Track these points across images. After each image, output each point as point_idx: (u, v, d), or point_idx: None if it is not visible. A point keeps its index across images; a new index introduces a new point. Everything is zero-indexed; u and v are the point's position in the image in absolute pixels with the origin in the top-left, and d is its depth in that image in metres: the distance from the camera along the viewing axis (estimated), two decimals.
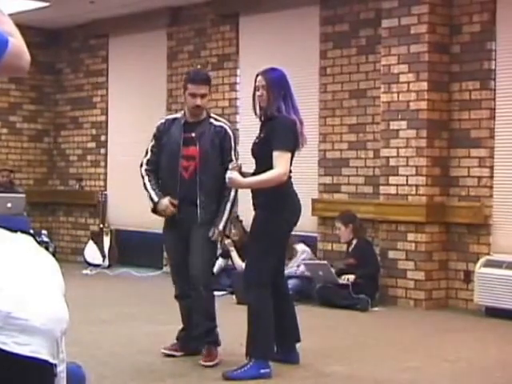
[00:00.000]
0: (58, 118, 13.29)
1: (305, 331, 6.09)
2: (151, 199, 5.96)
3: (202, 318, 5.88)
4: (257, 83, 5.74)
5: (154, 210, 5.99)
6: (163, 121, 6.12)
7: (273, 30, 10.30)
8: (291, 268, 8.80)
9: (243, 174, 5.64)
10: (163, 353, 6.05)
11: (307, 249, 9.22)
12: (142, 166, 6.08)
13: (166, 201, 5.88)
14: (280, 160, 5.50)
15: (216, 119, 6.02)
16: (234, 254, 9.36)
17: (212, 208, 5.88)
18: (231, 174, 5.51)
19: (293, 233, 6.09)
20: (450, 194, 8.72)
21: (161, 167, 6.00)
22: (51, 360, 2.62)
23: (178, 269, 6.04)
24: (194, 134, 5.85)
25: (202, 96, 5.87)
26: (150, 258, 11.31)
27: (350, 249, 8.86)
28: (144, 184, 6.04)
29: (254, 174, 5.66)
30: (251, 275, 5.67)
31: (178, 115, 6.11)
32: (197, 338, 5.92)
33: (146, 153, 6.09)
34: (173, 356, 6.02)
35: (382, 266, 8.83)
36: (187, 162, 5.87)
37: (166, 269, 10.49)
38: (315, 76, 9.78)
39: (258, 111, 5.79)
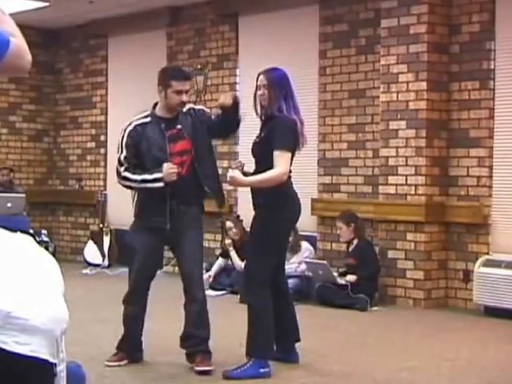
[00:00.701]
0: (58, 118, 13.29)
1: (304, 331, 6.10)
2: (155, 180, 5.64)
3: (195, 328, 5.72)
4: (258, 82, 5.74)
5: (165, 184, 5.65)
6: (132, 127, 5.81)
7: (272, 29, 10.31)
8: (293, 264, 8.84)
9: (245, 174, 5.65)
10: (108, 365, 5.81)
11: (311, 248, 9.27)
12: (123, 178, 5.75)
13: (165, 166, 5.61)
14: (280, 160, 5.51)
15: (183, 110, 5.86)
16: (233, 253, 9.37)
17: (217, 193, 5.88)
18: (233, 173, 5.52)
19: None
20: (450, 193, 8.73)
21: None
22: (51, 359, 2.63)
23: (144, 273, 5.85)
24: (179, 127, 5.74)
25: (186, 92, 5.83)
26: None
27: (351, 248, 8.87)
28: (135, 181, 5.71)
29: (254, 174, 5.67)
30: (251, 275, 5.68)
31: (147, 119, 5.82)
32: (188, 347, 5.78)
33: (121, 164, 5.77)
34: (119, 366, 5.82)
35: (381, 266, 8.84)
36: (181, 158, 5.73)
37: (166, 268, 10.50)
38: (314, 76, 9.79)
39: (258, 110, 5.81)
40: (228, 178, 5.56)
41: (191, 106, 5.98)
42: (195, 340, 5.73)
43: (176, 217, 5.72)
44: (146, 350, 6.12)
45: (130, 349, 5.90)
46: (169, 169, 5.63)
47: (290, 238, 8.67)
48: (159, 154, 5.71)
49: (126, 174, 5.75)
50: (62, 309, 2.77)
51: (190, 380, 5.56)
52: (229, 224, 9.50)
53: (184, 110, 5.83)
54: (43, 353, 2.61)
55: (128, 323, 5.91)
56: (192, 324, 5.75)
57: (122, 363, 5.85)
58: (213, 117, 5.90)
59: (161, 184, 5.66)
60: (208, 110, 6.00)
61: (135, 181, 5.74)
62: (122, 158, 5.78)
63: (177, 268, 6.22)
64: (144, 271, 5.87)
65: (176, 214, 5.72)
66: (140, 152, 5.76)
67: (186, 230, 5.74)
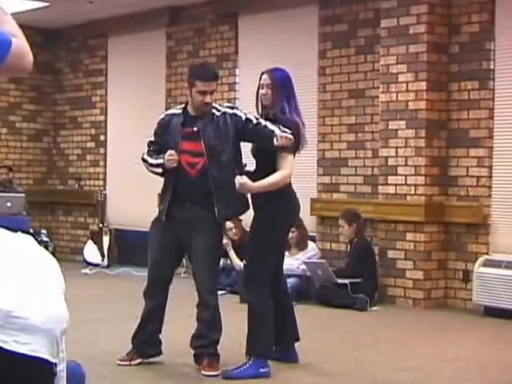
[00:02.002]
0: (58, 118, 13.30)
1: (304, 330, 6.11)
2: (158, 165, 5.73)
3: (207, 329, 5.73)
4: (262, 81, 5.74)
5: (163, 173, 5.76)
6: (163, 116, 5.97)
7: (272, 29, 10.31)
8: (297, 260, 8.87)
9: (247, 173, 5.64)
10: (119, 364, 5.83)
11: (317, 250, 9.29)
12: (142, 159, 5.90)
13: (167, 152, 5.66)
14: (285, 162, 5.53)
15: (218, 109, 5.75)
16: (231, 253, 9.36)
17: (229, 203, 5.67)
18: (241, 180, 5.48)
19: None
20: (449, 193, 8.73)
21: None
22: (51, 359, 2.63)
23: (156, 267, 5.85)
24: (195, 129, 5.69)
25: (211, 93, 5.70)
26: None
27: (350, 248, 8.88)
28: (149, 164, 5.82)
29: (254, 173, 5.67)
30: (251, 275, 5.68)
31: (179, 110, 5.90)
32: (197, 347, 5.78)
33: (148, 147, 5.94)
34: (129, 365, 5.82)
35: (381, 266, 8.85)
36: (193, 158, 5.68)
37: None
38: (314, 76, 9.79)
39: (260, 110, 5.80)
40: (236, 185, 5.53)
41: (226, 109, 5.77)
42: (205, 341, 5.73)
43: (187, 212, 5.71)
44: None
45: (141, 343, 5.89)
46: (169, 155, 5.68)
47: (295, 234, 8.77)
48: (172, 147, 5.74)
49: (145, 156, 5.90)
50: (62, 308, 2.76)
51: (190, 380, 5.56)
52: (229, 224, 9.49)
53: (218, 113, 5.71)
54: (43, 352, 2.61)
55: (142, 317, 5.93)
56: (205, 326, 5.76)
57: (132, 363, 5.85)
58: (254, 120, 5.64)
59: (160, 170, 5.76)
60: (242, 114, 5.72)
61: (148, 163, 5.86)
62: (148, 141, 5.96)
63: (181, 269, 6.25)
64: (158, 264, 5.85)
65: (188, 210, 5.70)
66: (162, 141, 5.86)
67: (196, 233, 5.69)
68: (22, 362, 2.55)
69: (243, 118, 5.69)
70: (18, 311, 2.55)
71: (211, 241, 5.73)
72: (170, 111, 6.08)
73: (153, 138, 5.95)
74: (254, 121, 5.65)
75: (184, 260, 6.39)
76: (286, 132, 5.49)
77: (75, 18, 12.22)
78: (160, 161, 5.73)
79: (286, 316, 5.93)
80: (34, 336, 2.57)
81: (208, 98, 5.68)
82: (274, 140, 5.45)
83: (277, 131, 5.49)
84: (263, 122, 5.63)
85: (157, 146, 5.87)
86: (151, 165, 5.83)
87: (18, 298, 2.57)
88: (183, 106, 5.94)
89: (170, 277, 5.92)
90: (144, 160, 5.90)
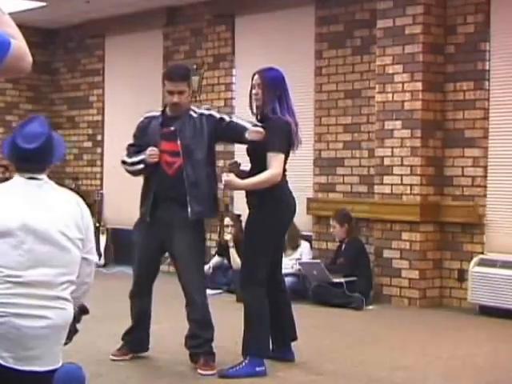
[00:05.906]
0: (55, 118, 13.28)
1: (300, 330, 6.12)
2: (139, 162, 5.79)
3: (198, 329, 5.75)
4: (253, 81, 5.78)
5: (144, 169, 5.82)
6: (142, 119, 6.01)
7: (268, 30, 10.33)
8: (292, 260, 8.88)
9: (242, 172, 5.67)
10: (112, 359, 5.90)
11: (309, 247, 9.29)
12: (122, 161, 5.98)
13: (148, 150, 5.72)
14: (274, 161, 5.55)
15: (195, 111, 5.83)
16: (232, 250, 9.30)
17: (202, 201, 5.71)
18: (228, 177, 5.52)
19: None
20: (445, 193, 8.76)
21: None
22: (51, 368, 2.63)
23: (143, 268, 5.96)
24: (172, 128, 5.74)
25: (180, 93, 5.73)
26: None
27: (343, 248, 8.90)
28: (129, 164, 5.89)
29: (249, 172, 5.70)
30: (247, 274, 5.70)
31: (158, 112, 5.96)
32: (192, 347, 5.79)
33: (126, 150, 5.99)
34: (123, 360, 5.89)
35: (377, 265, 8.88)
36: (171, 158, 5.72)
37: (162, 267, 10.49)
38: (310, 76, 9.82)
39: (254, 110, 5.84)
40: (223, 182, 5.57)
41: (203, 111, 5.84)
42: (199, 340, 5.75)
43: (166, 211, 5.76)
44: None
45: (133, 340, 5.97)
46: (150, 151, 5.73)
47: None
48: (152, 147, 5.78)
49: (125, 158, 5.95)
50: (64, 315, 2.77)
51: (186, 378, 5.58)
52: (227, 220, 9.48)
53: (195, 114, 5.78)
54: (43, 365, 2.60)
55: (134, 317, 5.99)
56: (197, 325, 5.78)
57: (126, 357, 5.93)
58: (227, 119, 5.78)
59: (142, 166, 5.80)
60: (217, 115, 5.83)
61: (128, 163, 5.92)
62: (128, 144, 6.01)
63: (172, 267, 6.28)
64: (144, 265, 5.96)
65: (166, 209, 5.75)
66: (141, 143, 5.88)
67: (179, 232, 5.74)
68: (20, 377, 2.55)
69: (217, 117, 5.81)
70: (16, 324, 2.55)
71: (194, 239, 5.78)
72: (149, 114, 6.07)
73: (131, 142, 6.01)
74: (227, 119, 5.79)
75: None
76: (257, 126, 5.61)
77: (72, 17, 12.23)
78: (141, 157, 5.78)
79: (283, 315, 5.94)
80: (32, 350, 2.57)
81: (175, 98, 5.75)
82: (246, 134, 5.57)
83: (248, 126, 5.63)
84: (236, 119, 5.80)
85: (136, 149, 5.90)
86: (132, 164, 5.88)
87: (17, 312, 2.58)
88: (162, 108, 6.03)
89: (155, 277, 6.03)
90: (123, 162, 5.95)
